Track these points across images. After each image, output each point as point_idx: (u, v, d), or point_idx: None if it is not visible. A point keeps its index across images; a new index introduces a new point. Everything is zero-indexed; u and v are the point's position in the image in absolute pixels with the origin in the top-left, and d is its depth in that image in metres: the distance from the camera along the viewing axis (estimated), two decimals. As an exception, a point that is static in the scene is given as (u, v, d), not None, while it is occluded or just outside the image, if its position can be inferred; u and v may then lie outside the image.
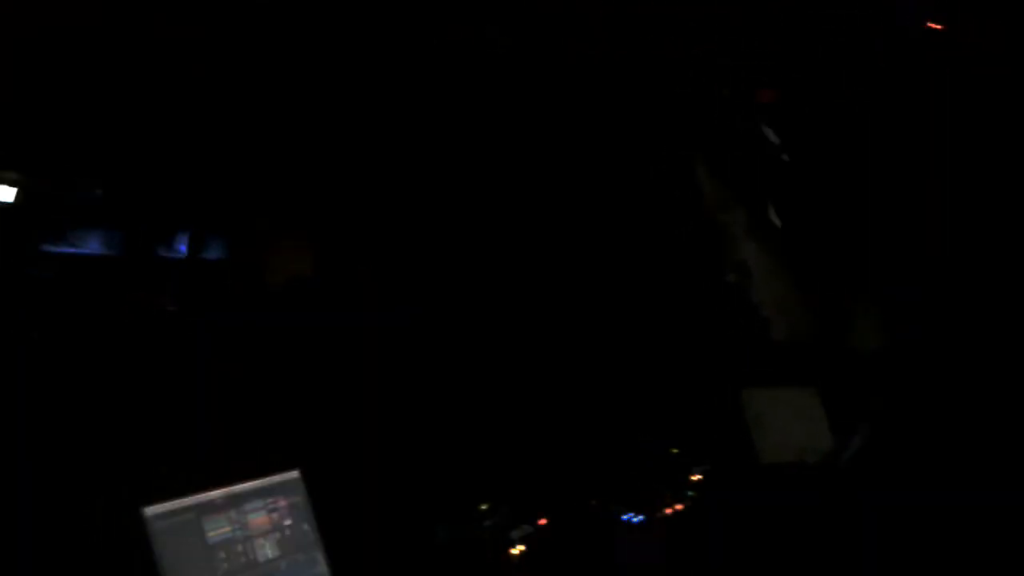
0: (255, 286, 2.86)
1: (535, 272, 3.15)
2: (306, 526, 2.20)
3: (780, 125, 1.20)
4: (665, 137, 2.35)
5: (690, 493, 2.84)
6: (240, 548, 2.03)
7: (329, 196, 2.95)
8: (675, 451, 3.15)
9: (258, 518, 2.11)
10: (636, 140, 2.70)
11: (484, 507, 2.50)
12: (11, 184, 2.30)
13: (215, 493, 2.04)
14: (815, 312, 1.27)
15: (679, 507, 2.75)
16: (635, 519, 2.63)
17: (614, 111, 2.58)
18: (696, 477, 2.98)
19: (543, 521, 2.57)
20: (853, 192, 1.20)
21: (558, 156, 2.83)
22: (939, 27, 1.49)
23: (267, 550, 2.09)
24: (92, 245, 2.57)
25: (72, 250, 2.52)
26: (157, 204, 2.68)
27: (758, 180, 1.23)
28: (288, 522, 2.16)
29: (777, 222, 1.22)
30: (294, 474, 2.22)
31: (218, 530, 2.00)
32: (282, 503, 2.17)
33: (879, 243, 1.20)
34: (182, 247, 2.76)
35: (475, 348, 2.98)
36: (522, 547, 2.38)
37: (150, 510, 1.89)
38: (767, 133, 1.20)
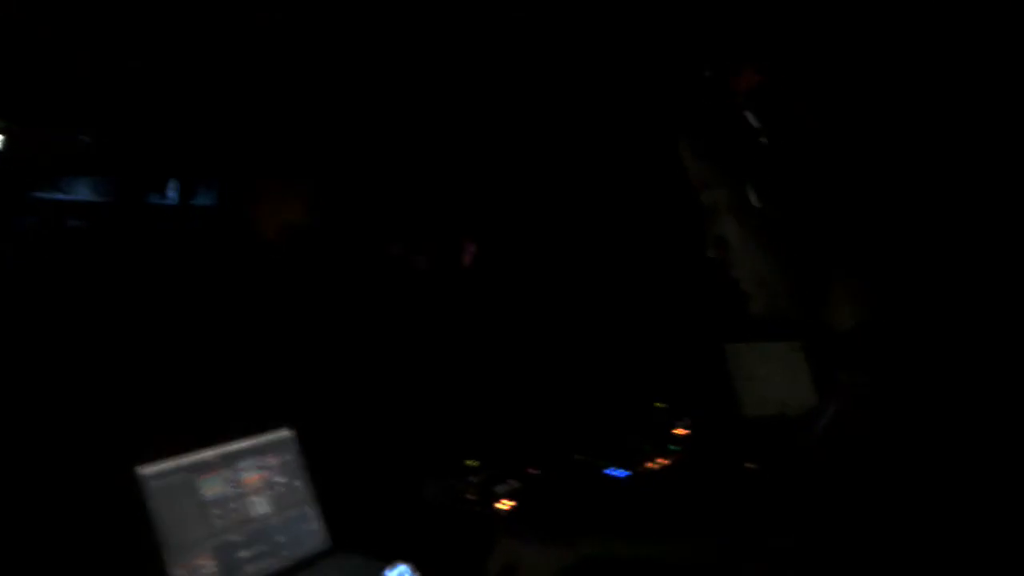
0: (247, 233, 2.86)
1: (524, 231, 3.17)
2: (298, 483, 2.25)
3: (761, 105, 1.22)
4: (650, 116, 2.36)
5: (673, 448, 2.90)
6: (234, 505, 2.09)
7: (323, 143, 2.95)
8: (659, 405, 3.21)
9: (251, 476, 2.16)
10: (624, 115, 2.70)
11: (471, 463, 2.56)
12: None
13: (209, 452, 2.09)
14: (792, 288, 1.30)
15: (663, 461, 2.80)
16: (619, 474, 2.69)
17: (600, 92, 2.59)
18: (680, 431, 3.04)
19: (531, 472, 2.63)
20: (833, 170, 1.22)
21: (549, 121, 2.84)
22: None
23: (260, 506, 2.15)
24: (82, 192, 2.56)
25: (62, 196, 2.52)
26: (147, 151, 2.67)
27: (738, 160, 1.25)
28: (281, 479, 2.22)
29: (756, 201, 1.25)
30: (286, 432, 2.27)
31: (212, 488, 2.06)
32: (274, 461, 2.22)
33: (858, 221, 1.23)
34: (172, 194, 2.76)
35: (462, 303, 3.02)
36: (508, 502, 2.43)
37: (145, 470, 1.94)
38: (748, 115, 1.22)
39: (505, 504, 2.41)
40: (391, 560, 1.97)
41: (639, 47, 2.33)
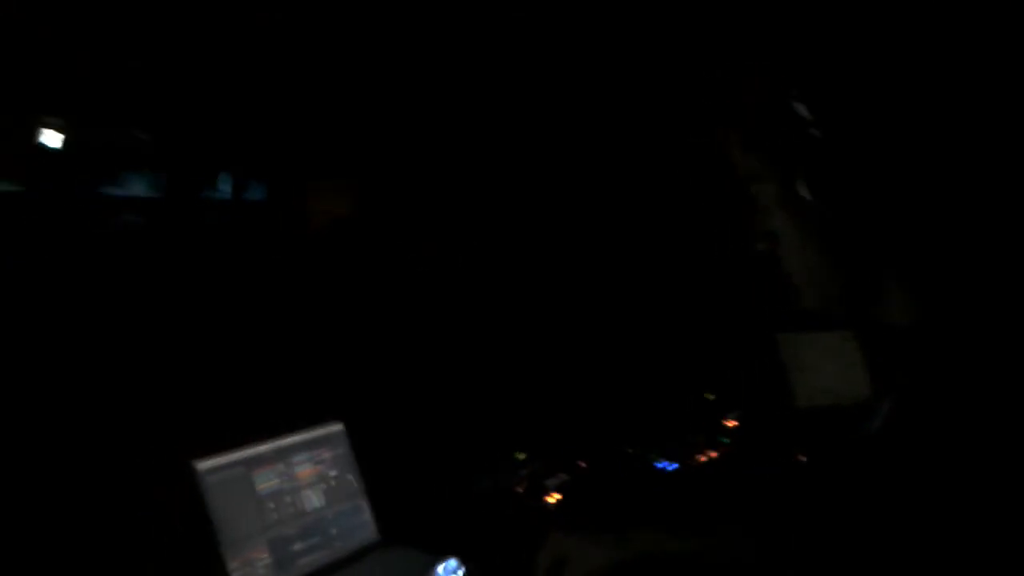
0: (297, 227, 2.89)
1: (570, 219, 3.16)
2: (350, 476, 2.29)
3: (812, 97, 1.20)
4: (698, 110, 2.33)
5: (724, 440, 2.87)
6: (288, 499, 2.13)
7: (372, 137, 2.98)
8: (710, 397, 3.19)
9: (305, 470, 2.20)
10: (673, 110, 2.68)
11: (520, 456, 2.57)
12: (58, 130, 2.36)
13: (263, 447, 2.13)
14: (844, 284, 1.28)
15: (713, 454, 2.78)
16: (670, 467, 2.68)
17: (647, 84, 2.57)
18: (731, 423, 3.01)
19: (581, 465, 2.64)
20: (885, 165, 1.20)
21: (601, 109, 2.83)
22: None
23: (314, 500, 2.18)
24: (138, 188, 2.62)
25: (119, 192, 2.58)
26: (200, 147, 2.71)
27: (789, 153, 1.24)
28: (333, 473, 2.25)
29: (807, 194, 1.23)
30: (338, 427, 2.31)
31: (267, 482, 2.10)
32: (327, 455, 2.26)
33: (911, 217, 1.21)
34: (226, 188, 2.81)
35: (512, 296, 3.02)
36: (558, 495, 2.44)
37: (202, 465, 1.98)
38: (798, 107, 1.20)
39: (554, 497, 2.42)
40: (441, 553, 1.98)
41: (689, 39, 2.30)
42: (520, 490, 2.47)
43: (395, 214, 3.06)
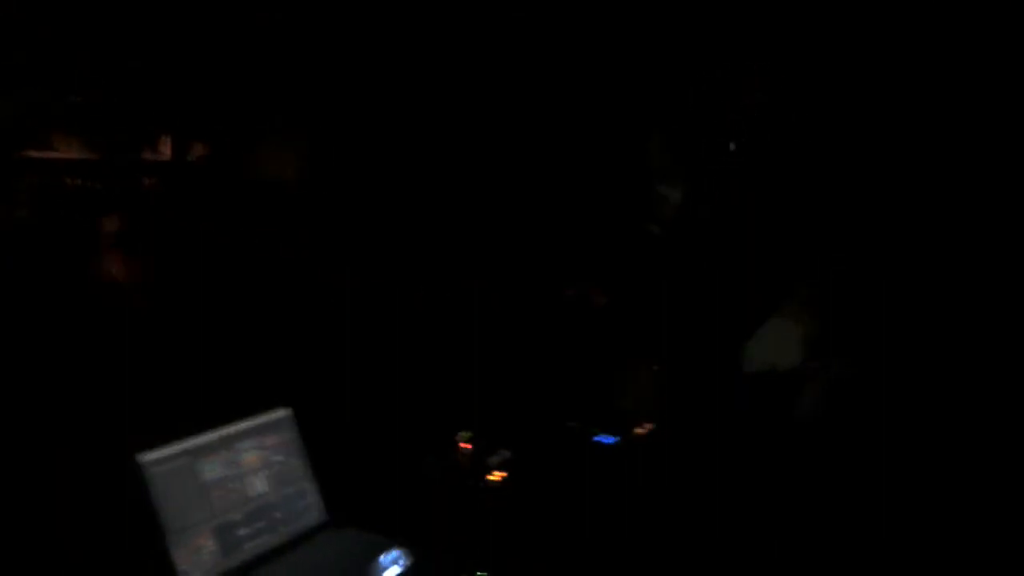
0: (237, 189, 2.87)
1: (509, 196, 3.18)
2: (296, 460, 2.33)
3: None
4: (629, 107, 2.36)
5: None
6: (233, 485, 2.16)
7: (317, 99, 2.95)
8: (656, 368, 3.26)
9: (250, 456, 2.23)
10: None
11: (464, 434, 2.62)
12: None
13: (208, 436, 2.15)
14: None
15: (650, 426, 2.87)
16: (607, 440, 2.76)
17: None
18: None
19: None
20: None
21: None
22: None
23: (259, 485, 2.22)
24: (75, 150, 2.58)
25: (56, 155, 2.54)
26: (138, 108, 2.67)
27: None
28: (279, 458, 2.29)
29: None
30: (285, 412, 2.34)
31: (212, 470, 2.13)
32: (273, 440, 2.29)
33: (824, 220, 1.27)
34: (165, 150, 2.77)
35: (452, 274, 3.05)
36: (501, 472, 2.50)
37: (145, 456, 2.00)
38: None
39: (496, 476, 2.48)
40: (387, 534, 2.04)
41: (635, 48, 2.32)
42: (463, 465, 2.53)
43: (341, 183, 3.06)
